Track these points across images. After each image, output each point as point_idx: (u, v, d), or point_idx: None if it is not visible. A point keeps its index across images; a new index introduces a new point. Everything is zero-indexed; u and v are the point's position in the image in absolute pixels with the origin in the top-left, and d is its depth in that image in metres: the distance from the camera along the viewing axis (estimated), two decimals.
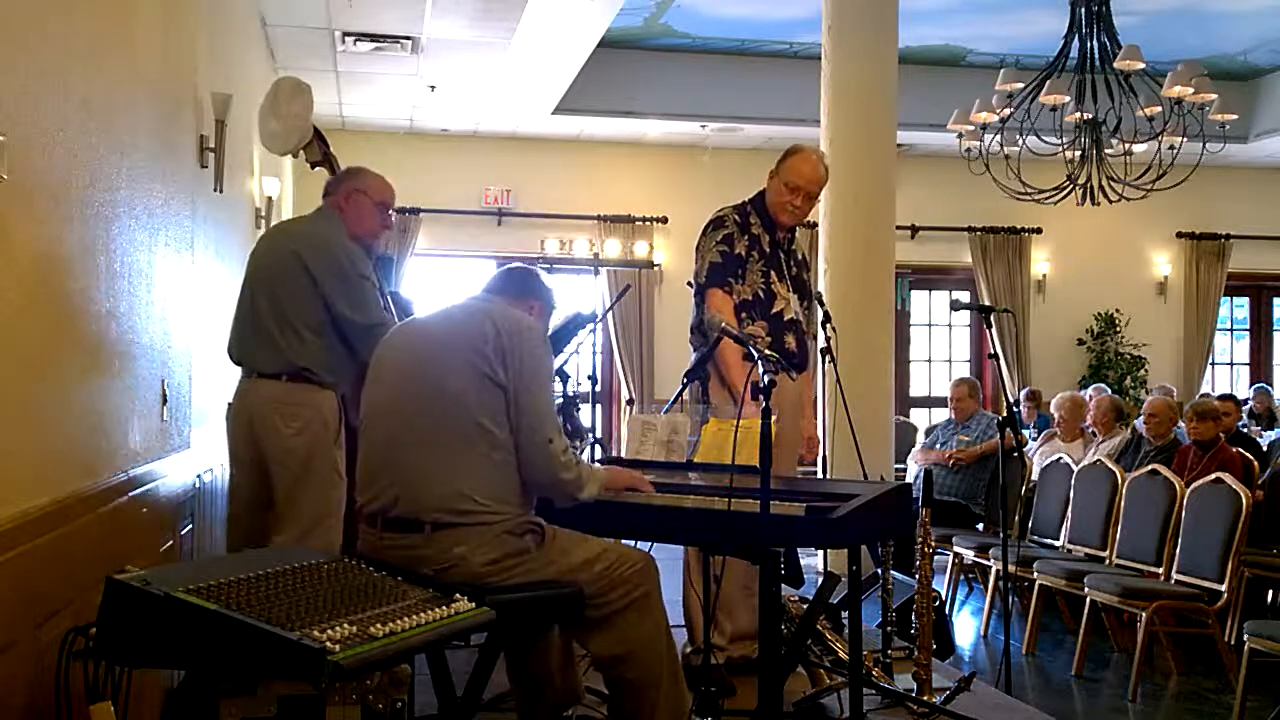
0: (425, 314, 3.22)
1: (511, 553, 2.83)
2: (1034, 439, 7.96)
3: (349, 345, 3.67)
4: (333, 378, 3.66)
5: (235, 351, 3.76)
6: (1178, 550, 5.33)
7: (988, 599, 6.31)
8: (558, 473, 2.88)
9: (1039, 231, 11.05)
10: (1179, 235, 11.52)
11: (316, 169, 4.34)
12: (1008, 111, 7.01)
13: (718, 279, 4.06)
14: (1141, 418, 6.96)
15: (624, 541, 3.10)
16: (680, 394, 3.82)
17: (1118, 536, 5.71)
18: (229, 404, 3.77)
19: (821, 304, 4.69)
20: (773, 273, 4.11)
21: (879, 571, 4.16)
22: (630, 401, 10.01)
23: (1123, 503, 5.75)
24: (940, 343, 11.60)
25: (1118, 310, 11.20)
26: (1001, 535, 5.23)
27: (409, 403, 2.89)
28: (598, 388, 5.42)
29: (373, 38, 7.13)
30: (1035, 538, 6.36)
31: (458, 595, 2.41)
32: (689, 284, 4.29)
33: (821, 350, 4.65)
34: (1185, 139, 6.72)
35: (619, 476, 3.12)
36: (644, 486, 3.14)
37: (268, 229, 3.93)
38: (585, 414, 5.35)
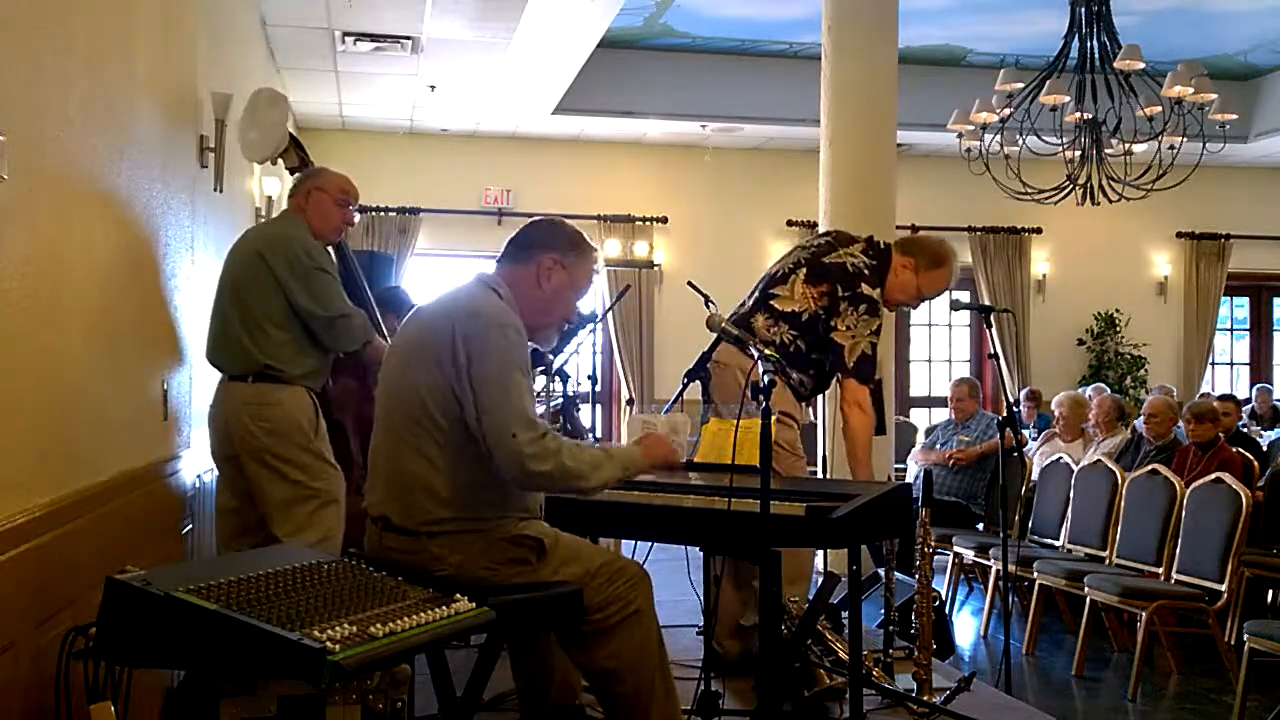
0: (433, 299, 3.00)
1: (507, 560, 2.78)
2: (1034, 439, 7.95)
3: (316, 340, 3.69)
4: (299, 372, 3.66)
5: (210, 355, 3.79)
6: (1178, 550, 5.33)
7: (988, 599, 6.30)
8: (528, 465, 2.62)
9: (1039, 231, 11.05)
10: (1179, 235, 11.52)
11: (295, 175, 4.36)
12: (1008, 111, 7.01)
13: (867, 375, 4.01)
14: (1141, 418, 6.96)
15: (616, 542, 3.04)
16: (680, 394, 3.82)
17: (1118, 536, 5.71)
18: (210, 407, 3.78)
19: None
20: None
21: (879, 571, 4.16)
22: (630, 401, 10.00)
23: (1123, 503, 5.75)
24: (940, 343, 11.59)
25: (1118, 310, 11.20)
26: (1001, 535, 5.23)
27: (392, 408, 2.83)
28: (598, 388, 5.40)
29: (373, 38, 7.13)
30: (1035, 538, 6.36)
31: (458, 595, 2.41)
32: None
33: None
34: (1185, 139, 6.72)
35: (653, 451, 2.85)
36: (675, 459, 2.95)
37: (240, 235, 3.96)
38: (585, 414, 5.35)
